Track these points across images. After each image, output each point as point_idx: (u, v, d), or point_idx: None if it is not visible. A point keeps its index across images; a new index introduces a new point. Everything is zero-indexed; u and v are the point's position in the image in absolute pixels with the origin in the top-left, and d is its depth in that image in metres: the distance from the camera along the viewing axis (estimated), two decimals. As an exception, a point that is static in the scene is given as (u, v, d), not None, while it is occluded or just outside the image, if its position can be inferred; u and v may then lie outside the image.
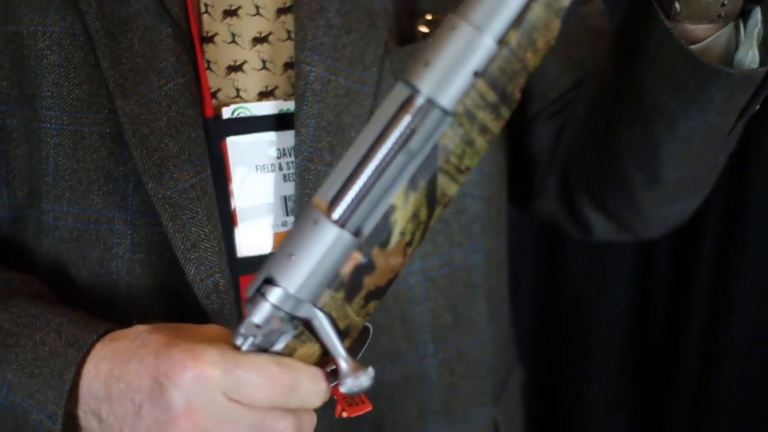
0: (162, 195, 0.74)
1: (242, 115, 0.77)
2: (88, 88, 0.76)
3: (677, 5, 0.66)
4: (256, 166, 0.78)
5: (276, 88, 0.79)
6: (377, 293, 0.57)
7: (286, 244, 0.55)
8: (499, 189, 0.89)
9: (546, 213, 0.96)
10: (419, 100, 0.53)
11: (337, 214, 0.54)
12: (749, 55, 0.70)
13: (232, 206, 0.77)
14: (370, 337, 0.60)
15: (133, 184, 0.76)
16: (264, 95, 0.79)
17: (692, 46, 0.69)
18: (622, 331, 1.79)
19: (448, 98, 0.53)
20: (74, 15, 0.76)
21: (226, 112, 0.77)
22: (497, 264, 0.91)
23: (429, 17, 0.81)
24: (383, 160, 0.53)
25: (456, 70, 0.52)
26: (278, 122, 0.78)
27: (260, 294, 0.56)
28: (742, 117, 0.75)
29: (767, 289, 1.70)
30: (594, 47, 0.88)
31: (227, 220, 0.77)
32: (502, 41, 0.53)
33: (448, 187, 0.55)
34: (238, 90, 0.78)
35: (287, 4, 0.79)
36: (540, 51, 0.55)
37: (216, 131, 0.76)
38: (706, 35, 0.70)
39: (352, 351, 0.58)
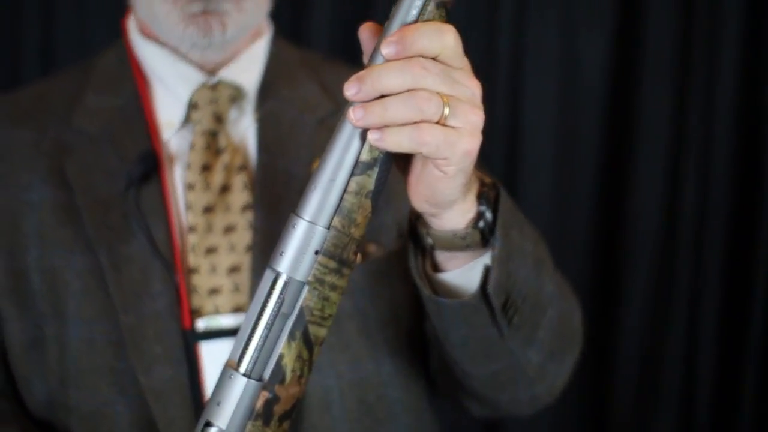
0: (149, 385, 1.00)
1: (213, 327, 1.03)
2: (101, 305, 1.03)
3: (429, 239, 0.86)
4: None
5: (245, 304, 1.05)
6: (287, 415, 0.77)
7: (214, 394, 0.77)
8: (416, 377, 1.10)
9: (440, 392, 1.13)
10: (282, 280, 0.74)
11: (243, 368, 0.75)
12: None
13: (204, 392, 1.02)
14: None
15: (130, 377, 1.02)
16: (236, 310, 1.05)
17: (462, 267, 0.87)
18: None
19: (301, 274, 0.74)
20: (92, 253, 1.04)
21: (201, 325, 1.03)
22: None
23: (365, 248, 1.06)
24: (266, 325, 0.74)
25: (302, 254, 0.73)
26: None
27: None
28: (509, 328, 0.91)
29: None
30: None
31: (199, 403, 1.02)
32: (330, 226, 0.74)
33: (318, 331, 0.76)
34: (216, 307, 1.04)
35: (252, 244, 1.06)
36: (361, 224, 0.74)
37: (192, 338, 1.03)
38: (472, 257, 0.87)
39: None
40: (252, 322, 0.75)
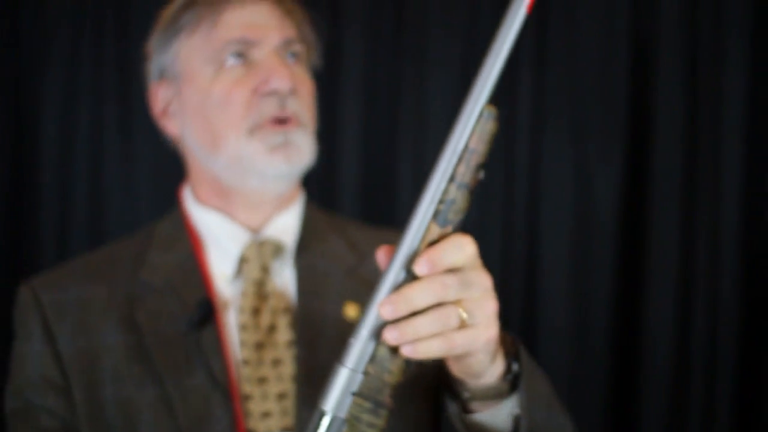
0: None
1: None
2: (170, 430, 1.21)
3: (466, 394, 1.02)
4: None
5: (292, 425, 1.23)
6: None
7: None
8: None
9: None
10: (327, 417, 0.90)
11: None
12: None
13: None
14: None
15: None
16: (284, 430, 1.22)
17: (491, 409, 1.03)
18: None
19: (342, 412, 0.89)
20: (161, 386, 1.22)
21: None
22: None
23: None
24: None
25: (343, 395, 0.88)
26: None
27: None
28: None
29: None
30: None
31: None
32: (366, 372, 0.89)
33: None
34: (268, 428, 1.22)
35: (297, 374, 1.24)
36: (394, 373, 0.88)
37: None
38: (501, 400, 1.03)
39: None
40: None
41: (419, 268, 0.86)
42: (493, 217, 2.27)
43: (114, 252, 1.36)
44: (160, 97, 1.37)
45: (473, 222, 2.27)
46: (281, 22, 1.33)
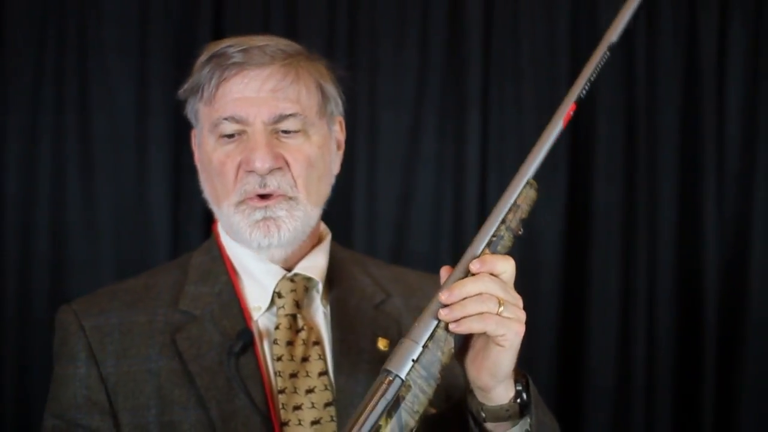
0: None
1: None
2: None
3: (482, 414, 1.18)
4: None
5: None
6: None
7: None
8: None
9: None
10: (389, 376, 1.07)
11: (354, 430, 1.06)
12: None
13: None
14: None
15: None
16: None
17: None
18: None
19: (402, 373, 1.08)
20: (204, 410, 1.29)
21: None
22: None
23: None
24: (374, 403, 1.08)
25: (405, 360, 1.08)
26: None
27: None
28: None
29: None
30: None
31: None
32: (425, 346, 1.09)
33: (408, 420, 1.10)
34: None
35: (331, 400, 1.32)
36: (447, 353, 1.11)
37: None
38: (511, 426, 1.20)
39: None
40: (364, 403, 1.09)
41: (473, 266, 1.12)
42: (443, 252, 2.38)
43: (150, 282, 1.42)
44: (194, 143, 1.44)
45: (423, 256, 2.38)
46: (275, 94, 1.35)
